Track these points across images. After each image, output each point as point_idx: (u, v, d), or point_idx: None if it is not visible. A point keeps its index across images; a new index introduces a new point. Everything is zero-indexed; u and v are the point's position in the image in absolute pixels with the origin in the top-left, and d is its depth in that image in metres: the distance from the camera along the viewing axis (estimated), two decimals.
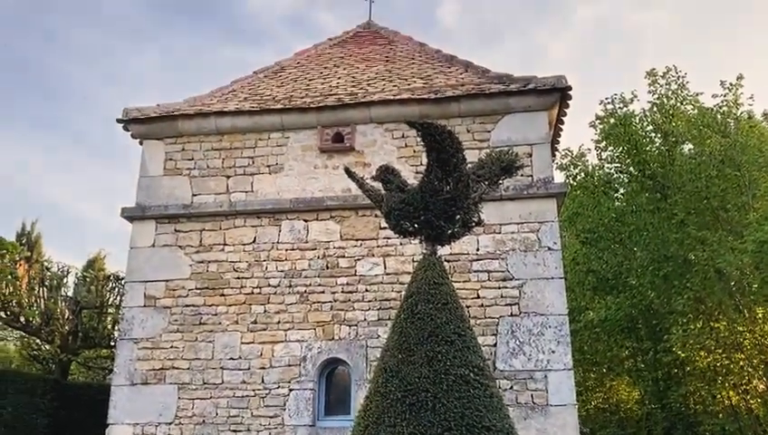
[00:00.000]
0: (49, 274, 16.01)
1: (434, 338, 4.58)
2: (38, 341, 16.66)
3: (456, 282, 7.16)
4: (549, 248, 8.34)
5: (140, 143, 9.84)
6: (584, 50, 60.70)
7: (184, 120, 9.57)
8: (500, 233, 8.46)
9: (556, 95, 8.88)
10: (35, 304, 15.32)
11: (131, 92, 57.23)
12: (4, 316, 14.78)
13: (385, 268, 8.53)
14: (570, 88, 8.84)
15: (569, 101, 9.13)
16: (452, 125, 8.57)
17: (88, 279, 16.78)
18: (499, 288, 8.26)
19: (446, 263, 5.64)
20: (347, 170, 6.16)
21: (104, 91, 55.24)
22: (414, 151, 8.91)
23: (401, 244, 8.41)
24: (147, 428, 8.37)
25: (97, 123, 57.70)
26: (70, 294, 16.33)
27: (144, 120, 9.61)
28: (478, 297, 8.25)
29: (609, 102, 17.14)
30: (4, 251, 13.93)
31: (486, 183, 5.46)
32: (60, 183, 49.60)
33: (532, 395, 7.83)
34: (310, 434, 8.09)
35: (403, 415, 4.33)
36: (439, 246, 5.20)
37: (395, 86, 9.72)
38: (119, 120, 9.73)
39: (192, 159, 9.55)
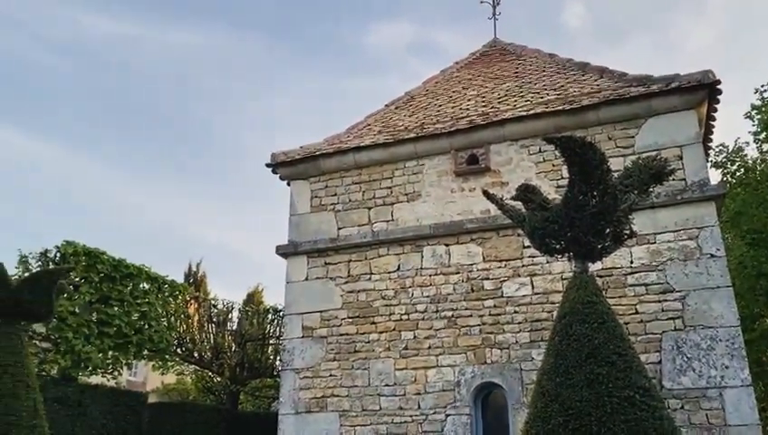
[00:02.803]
0: (215, 310, 17.30)
1: (593, 359, 4.41)
2: (210, 373, 17.99)
3: (610, 298, 6.88)
4: (711, 255, 7.74)
5: (288, 184, 10.47)
6: (727, 34, 56.05)
7: (325, 158, 10.07)
8: (655, 243, 7.98)
9: (703, 92, 8.29)
10: (206, 340, 16.62)
11: (269, 134, 61.01)
12: (180, 352, 16.16)
13: (533, 288, 8.35)
14: (718, 82, 8.22)
15: (718, 96, 8.49)
16: (591, 135, 8.31)
17: (249, 313, 17.90)
18: (659, 302, 7.77)
19: (598, 279, 5.42)
20: (485, 192, 6.15)
21: (244, 135, 59.44)
22: (553, 166, 8.70)
23: (548, 262, 8.20)
24: None
25: (236, 165, 61.93)
26: (234, 328, 17.50)
27: (290, 163, 10.23)
28: (636, 313, 7.81)
29: (765, 90, 15.67)
30: (177, 293, 15.28)
31: (635, 192, 5.21)
32: (210, 223, 53.77)
33: (706, 415, 7.24)
34: None
35: None
36: (590, 263, 5.03)
37: (527, 101, 9.59)
38: (267, 165, 10.43)
39: (335, 194, 10.00)
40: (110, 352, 12.77)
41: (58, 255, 11.85)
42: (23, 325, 6.73)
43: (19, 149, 48.04)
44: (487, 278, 8.65)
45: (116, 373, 13.36)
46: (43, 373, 11.19)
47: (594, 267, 5.59)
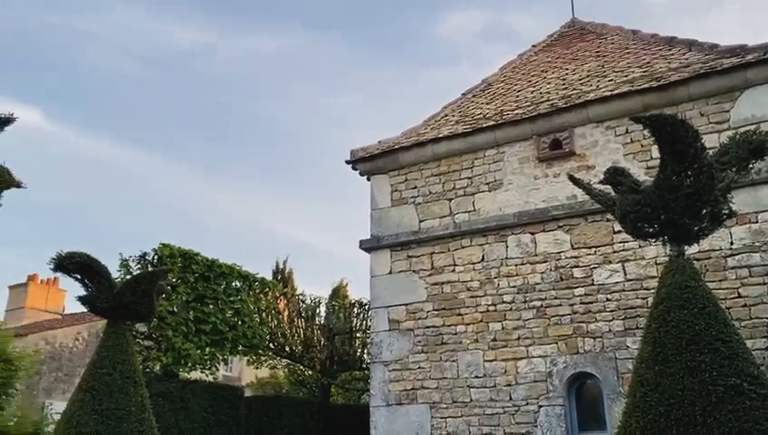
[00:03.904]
0: (303, 306, 17.74)
1: (694, 346, 4.21)
2: (301, 367, 18.46)
3: (709, 282, 6.54)
4: None
5: (368, 179, 10.56)
6: None
7: (403, 152, 10.08)
8: (757, 222, 7.51)
9: None
10: (296, 334, 17.07)
11: (347, 131, 61.76)
12: (272, 347, 16.69)
13: (625, 275, 8.05)
14: None
15: None
16: (682, 112, 7.91)
17: (336, 307, 18.25)
18: (764, 284, 7.30)
19: (695, 262, 5.16)
20: (571, 177, 5.98)
21: (322, 133, 60.46)
22: (642, 146, 8.34)
23: (640, 247, 7.88)
24: None
25: (316, 163, 63.03)
26: (322, 322, 17.89)
27: (369, 158, 10.32)
28: (739, 296, 7.38)
29: None
30: (267, 290, 15.78)
31: (734, 169, 4.93)
32: (293, 221, 55.07)
33: None
34: None
35: (669, 431, 4.04)
36: (686, 246, 4.80)
37: (611, 81, 9.23)
38: (347, 162, 10.56)
39: (415, 187, 10.00)
40: (208, 349, 13.34)
41: (156, 257, 12.48)
42: (127, 325, 7.11)
43: (114, 159, 50.93)
44: (576, 266, 8.41)
45: (213, 369, 13.94)
46: (147, 370, 11.83)
47: (691, 250, 5.35)
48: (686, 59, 8.91)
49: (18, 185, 4.68)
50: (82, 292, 6.85)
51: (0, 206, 4.44)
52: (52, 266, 6.61)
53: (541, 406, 8.12)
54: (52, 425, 9.94)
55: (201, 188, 53.56)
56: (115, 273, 11.30)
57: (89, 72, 53.13)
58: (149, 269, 11.50)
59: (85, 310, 7.31)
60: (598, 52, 10.75)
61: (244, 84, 57.37)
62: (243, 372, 26.67)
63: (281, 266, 28.12)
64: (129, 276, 11.34)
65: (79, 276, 6.76)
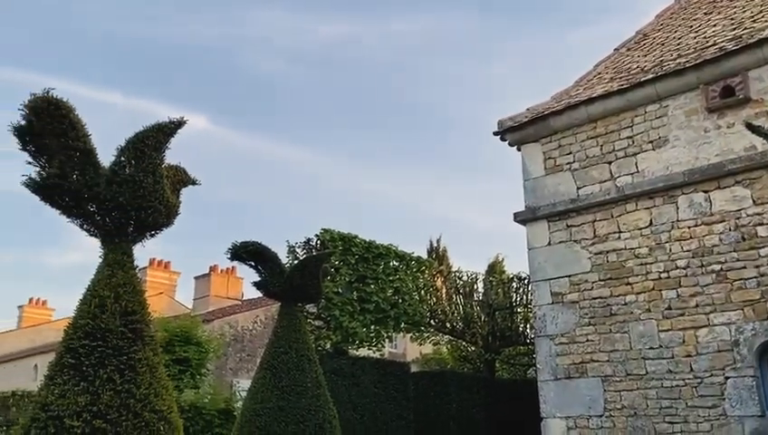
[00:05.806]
0: (461, 282, 17.77)
1: None
2: (464, 343, 18.54)
3: None
4: None
5: (518, 149, 10.26)
6: None
7: (555, 117, 9.65)
8: None
9: None
10: (455, 311, 17.17)
11: (495, 104, 60.55)
12: (433, 323, 16.93)
13: None
14: None
15: None
16: None
17: (494, 283, 18.07)
18: None
19: None
20: (748, 125, 5.42)
21: (465, 109, 59.78)
22: None
23: None
24: (579, 421, 8.54)
25: (459, 139, 62.49)
26: (481, 298, 17.81)
27: (518, 127, 10.01)
28: None
29: None
30: (424, 268, 16.01)
31: None
32: (443, 199, 55.18)
33: None
34: (761, 426, 7.16)
35: None
36: None
37: None
38: (495, 133, 10.33)
39: (570, 153, 9.55)
40: (372, 327, 13.85)
41: (318, 242, 13.13)
42: (298, 307, 7.57)
43: (273, 155, 54.28)
44: (761, 224, 7.58)
45: (379, 346, 14.45)
46: (320, 348, 12.52)
47: None
48: None
49: (194, 182, 5.12)
50: (257, 278, 7.40)
51: (180, 203, 4.87)
52: (228, 256, 7.21)
53: (727, 377, 7.47)
54: (240, 401, 10.88)
55: (353, 174, 55.49)
56: (284, 259, 12.02)
57: (245, 76, 56.93)
58: (314, 253, 12.12)
59: (261, 295, 7.87)
60: None
61: (388, 69, 58.35)
62: (407, 348, 27.37)
63: (435, 245, 28.39)
64: (296, 261, 12.05)
65: (252, 263, 7.31)
